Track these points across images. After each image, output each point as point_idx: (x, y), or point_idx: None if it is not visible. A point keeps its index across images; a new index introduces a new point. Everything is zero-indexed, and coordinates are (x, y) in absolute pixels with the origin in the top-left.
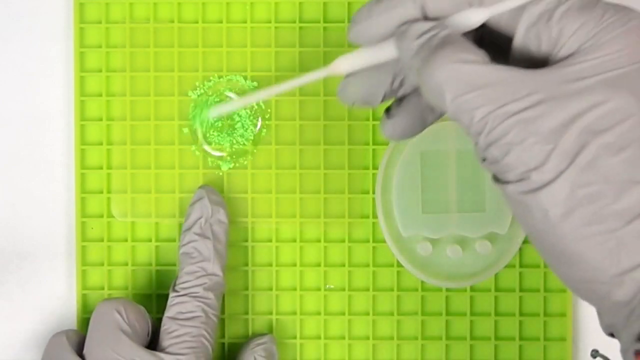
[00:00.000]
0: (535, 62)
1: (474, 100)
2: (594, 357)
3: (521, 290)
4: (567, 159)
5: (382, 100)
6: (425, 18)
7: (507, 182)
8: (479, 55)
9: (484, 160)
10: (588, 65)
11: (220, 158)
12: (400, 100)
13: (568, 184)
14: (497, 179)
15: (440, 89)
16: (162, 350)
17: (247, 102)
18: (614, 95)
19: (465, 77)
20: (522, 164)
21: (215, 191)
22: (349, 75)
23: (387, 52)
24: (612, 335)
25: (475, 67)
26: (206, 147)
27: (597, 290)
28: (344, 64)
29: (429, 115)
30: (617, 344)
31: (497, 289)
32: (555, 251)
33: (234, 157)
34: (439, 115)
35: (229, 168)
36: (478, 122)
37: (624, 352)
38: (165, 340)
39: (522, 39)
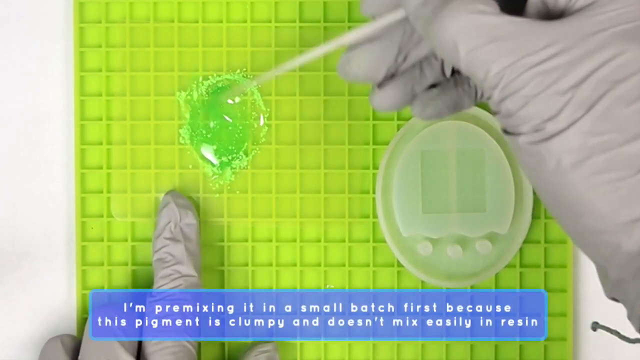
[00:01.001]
0: (551, 15)
1: (491, 53)
2: (594, 330)
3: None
4: (582, 108)
5: (384, 76)
6: None
7: (519, 134)
8: (493, 6)
9: (496, 113)
10: (605, 17)
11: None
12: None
13: (581, 132)
14: (507, 132)
15: (453, 42)
16: (146, 357)
17: (260, 81)
18: (631, 46)
19: (480, 28)
20: (537, 115)
21: (181, 195)
22: (350, 50)
23: (392, 15)
24: (614, 299)
25: (491, 18)
26: (205, 152)
27: (607, 242)
28: (352, 35)
29: (418, 87)
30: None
31: (497, 289)
32: (566, 201)
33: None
34: (426, 85)
35: (230, 175)
36: (494, 75)
37: (630, 316)
38: (149, 347)
39: None
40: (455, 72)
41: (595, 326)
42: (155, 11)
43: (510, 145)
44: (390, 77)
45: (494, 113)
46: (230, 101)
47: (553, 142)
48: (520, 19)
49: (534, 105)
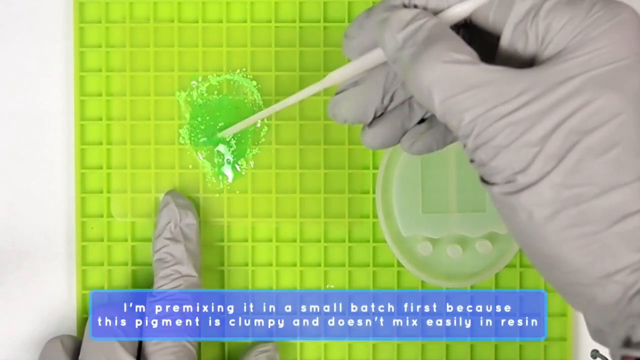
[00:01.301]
0: (523, 61)
1: (464, 102)
2: (594, 358)
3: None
4: (552, 161)
5: (374, 117)
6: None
7: (493, 184)
8: (469, 53)
9: (472, 161)
10: (576, 62)
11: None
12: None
13: (553, 185)
14: (484, 181)
15: (428, 90)
16: (146, 356)
17: (252, 121)
18: (601, 94)
19: (454, 78)
20: (508, 166)
21: (181, 195)
22: (337, 94)
23: (375, 55)
24: (600, 341)
25: (465, 67)
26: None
27: (582, 293)
28: (335, 74)
29: (407, 123)
30: None
31: (497, 289)
32: (540, 254)
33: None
34: (416, 121)
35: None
36: (467, 125)
37: (613, 357)
38: (149, 347)
39: (510, 37)
40: None
41: (595, 354)
42: (155, 11)
43: (488, 196)
44: (380, 115)
45: (470, 161)
46: (227, 135)
47: (524, 194)
48: (493, 67)
49: (504, 156)
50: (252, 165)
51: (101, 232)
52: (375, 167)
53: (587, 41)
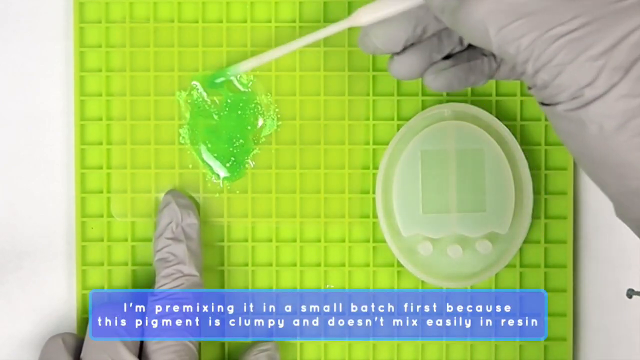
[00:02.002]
0: None
1: (520, 29)
2: (630, 297)
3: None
4: (619, 73)
5: (404, 46)
6: None
7: (557, 103)
8: None
9: (531, 87)
10: None
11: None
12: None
13: (621, 96)
14: (545, 104)
15: (482, 24)
16: (148, 355)
17: (265, 59)
18: None
19: (507, 7)
20: (574, 82)
21: (182, 194)
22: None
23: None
24: None
25: None
26: (205, 156)
27: None
28: (366, 15)
29: (436, 55)
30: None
31: (497, 289)
32: (608, 164)
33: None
34: (445, 53)
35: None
36: (525, 49)
37: None
38: (151, 346)
39: None
40: (470, 45)
41: (631, 293)
42: (155, 11)
43: (549, 117)
44: (410, 46)
45: (529, 88)
46: (232, 78)
47: (593, 107)
48: None
49: (569, 73)
50: (252, 165)
51: (101, 232)
52: (375, 167)
53: None
